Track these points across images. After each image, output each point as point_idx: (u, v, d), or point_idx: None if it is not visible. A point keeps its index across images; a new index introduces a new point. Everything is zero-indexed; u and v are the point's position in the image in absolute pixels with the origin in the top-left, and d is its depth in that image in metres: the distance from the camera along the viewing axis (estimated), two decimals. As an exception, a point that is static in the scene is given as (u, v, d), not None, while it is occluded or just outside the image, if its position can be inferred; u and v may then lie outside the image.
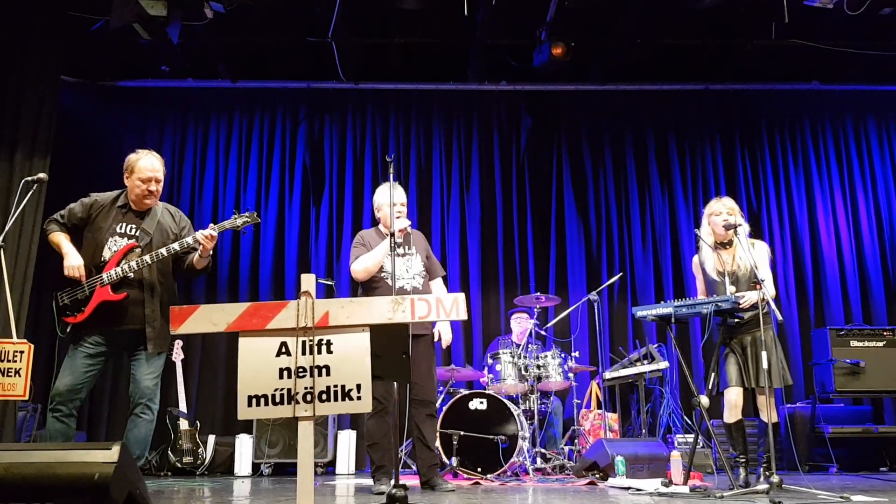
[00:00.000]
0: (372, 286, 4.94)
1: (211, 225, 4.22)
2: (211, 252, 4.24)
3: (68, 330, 4.08)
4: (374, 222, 5.39)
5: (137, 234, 4.22)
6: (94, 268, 4.12)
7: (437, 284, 5.26)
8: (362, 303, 2.97)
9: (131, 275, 4.11)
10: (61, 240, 4.19)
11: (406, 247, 5.07)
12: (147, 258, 4.11)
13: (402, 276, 4.98)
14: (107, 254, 4.15)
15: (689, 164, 8.47)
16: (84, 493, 2.48)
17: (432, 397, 5.04)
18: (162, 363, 4.26)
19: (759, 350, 4.53)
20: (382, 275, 4.93)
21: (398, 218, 4.90)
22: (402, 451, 5.92)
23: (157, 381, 4.20)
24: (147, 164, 4.25)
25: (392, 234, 4.39)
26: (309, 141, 8.39)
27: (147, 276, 4.17)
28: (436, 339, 5.19)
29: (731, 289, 4.76)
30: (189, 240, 4.19)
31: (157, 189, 4.29)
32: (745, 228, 4.83)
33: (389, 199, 4.62)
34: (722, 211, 4.90)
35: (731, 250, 4.87)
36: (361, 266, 4.91)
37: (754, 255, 4.75)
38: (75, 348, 4.08)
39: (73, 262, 4.09)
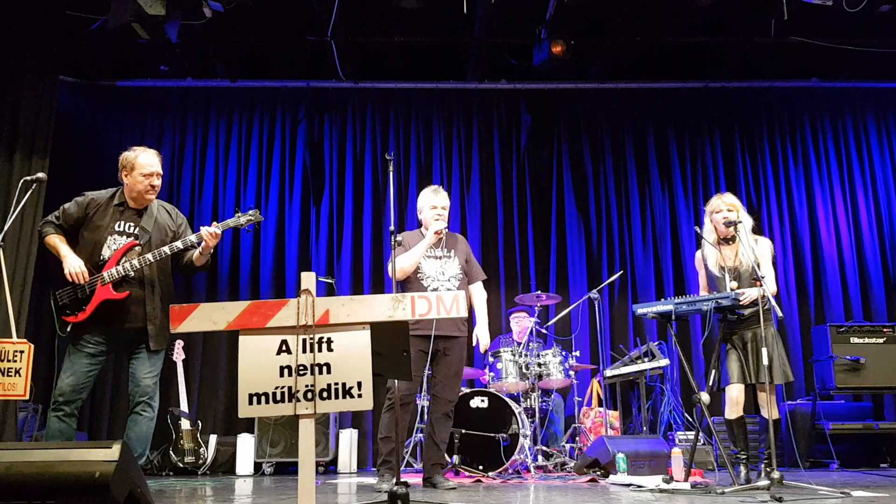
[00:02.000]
0: (407, 286, 4.98)
1: (214, 223, 4.22)
2: (212, 250, 4.25)
3: (68, 329, 4.08)
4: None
5: (137, 231, 4.22)
6: (93, 266, 4.11)
7: (476, 288, 5.27)
8: (363, 301, 2.97)
9: (132, 273, 4.10)
10: (57, 242, 4.17)
11: (443, 249, 5.09)
12: (150, 256, 4.11)
13: (437, 278, 5.01)
14: (106, 252, 4.14)
15: (689, 161, 8.47)
16: (85, 491, 2.48)
17: (452, 397, 5.06)
18: (161, 361, 4.26)
19: (759, 346, 4.54)
20: (419, 276, 4.97)
21: (437, 220, 5.01)
22: (404, 448, 5.92)
23: (156, 379, 4.21)
24: (148, 160, 4.25)
25: (393, 233, 4.39)
26: (309, 140, 8.39)
27: (147, 274, 4.17)
28: (474, 343, 5.23)
29: (732, 284, 4.76)
30: (193, 238, 4.20)
31: (159, 184, 4.30)
32: (747, 223, 4.85)
33: (388, 199, 4.65)
34: (722, 208, 4.91)
35: (733, 246, 4.87)
36: (397, 266, 4.89)
37: (757, 251, 4.77)
38: (75, 348, 4.07)
39: (75, 263, 4.06)
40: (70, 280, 4.05)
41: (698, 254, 5.12)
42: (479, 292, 5.28)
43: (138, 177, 4.22)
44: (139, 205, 4.29)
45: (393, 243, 4.36)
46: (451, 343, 4.94)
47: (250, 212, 4.29)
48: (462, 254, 5.18)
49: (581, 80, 8.34)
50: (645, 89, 8.51)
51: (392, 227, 4.38)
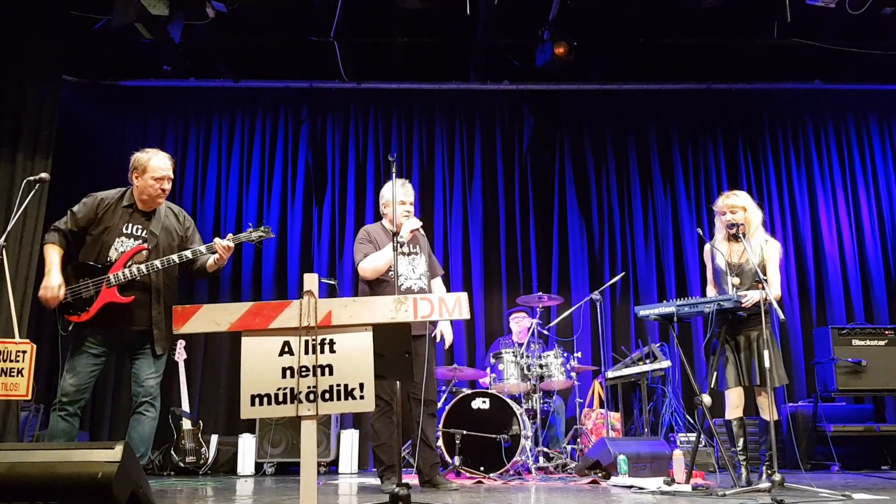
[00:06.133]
0: (379, 285, 4.93)
1: (230, 235, 4.25)
2: (226, 262, 4.28)
3: (70, 328, 4.08)
4: (378, 217, 5.36)
5: (145, 235, 4.21)
6: (100, 267, 4.11)
7: (437, 283, 5.28)
8: (365, 302, 2.97)
9: (139, 278, 4.10)
10: (50, 255, 4.12)
11: (412, 246, 5.06)
12: (158, 263, 4.11)
13: (408, 276, 4.98)
14: (113, 254, 4.13)
15: (692, 163, 8.46)
16: (87, 492, 2.48)
17: (433, 396, 5.06)
18: (164, 362, 4.27)
19: (759, 348, 4.57)
20: (390, 274, 4.89)
21: (406, 217, 4.92)
22: (404, 450, 5.92)
23: (159, 379, 4.22)
24: (161, 163, 4.25)
25: (395, 234, 4.39)
26: (311, 140, 8.39)
27: (154, 279, 4.17)
28: (437, 339, 5.20)
29: (734, 280, 4.77)
30: (203, 248, 4.22)
31: (169, 188, 4.30)
32: (756, 218, 4.87)
33: (394, 198, 4.64)
34: (725, 211, 4.92)
35: (741, 243, 4.86)
36: (372, 265, 4.88)
37: (765, 252, 4.79)
38: (78, 348, 4.07)
39: (52, 283, 4.03)
40: (40, 297, 4.04)
41: (707, 246, 5.11)
42: (439, 288, 5.28)
43: (149, 180, 4.22)
44: (148, 207, 4.28)
45: (395, 243, 4.36)
46: (416, 342, 4.79)
47: (262, 228, 4.32)
48: (426, 250, 5.21)
49: (583, 82, 8.32)
50: (647, 91, 8.51)
51: (394, 229, 4.38)
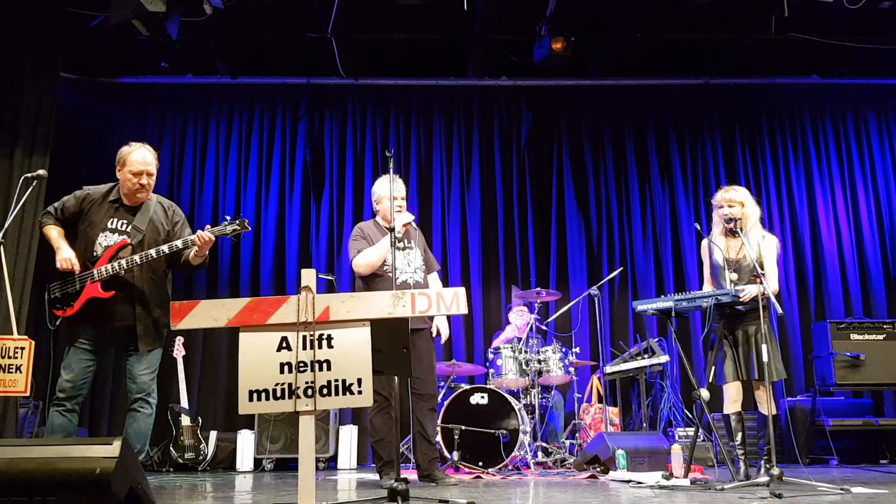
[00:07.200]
0: (374, 280, 4.94)
1: (208, 227, 4.17)
2: (206, 253, 4.21)
3: (58, 323, 4.07)
4: (374, 214, 5.37)
5: (129, 230, 4.16)
6: (86, 262, 4.09)
7: (434, 279, 5.28)
8: (362, 297, 2.98)
9: (122, 273, 4.06)
10: (53, 233, 4.16)
11: (407, 240, 5.07)
12: (137, 258, 4.05)
13: (404, 269, 4.98)
14: (98, 249, 4.10)
15: (690, 158, 8.46)
16: (85, 488, 2.48)
17: (433, 391, 5.06)
18: (157, 358, 4.21)
19: (757, 342, 4.57)
20: (385, 268, 4.91)
21: (399, 212, 4.90)
22: (403, 445, 5.93)
23: (153, 375, 4.16)
24: (139, 157, 4.19)
25: (392, 229, 4.39)
26: (309, 137, 8.38)
27: (137, 275, 4.12)
28: (434, 334, 5.20)
29: (732, 276, 4.77)
30: (178, 243, 4.13)
31: (149, 183, 4.22)
32: (754, 214, 4.87)
33: (389, 193, 4.64)
34: (723, 205, 4.92)
35: (738, 238, 4.86)
36: (365, 260, 4.90)
37: (763, 247, 4.78)
38: (72, 346, 4.05)
39: (65, 254, 4.05)
40: (60, 269, 4.04)
41: (704, 242, 5.11)
42: (436, 283, 5.29)
43: (127, 174, 4.16)
44: (132, 202, 4.23)
45: (392, 239, 4.36)
46: (414, 336, 4.72)
47: (237, 221, 4.19)
48: (421, 244, 5.21)
49: (581, 77, 8.33)
50: (645, 86, 8.51)
51: (393, 224, 4.38)
